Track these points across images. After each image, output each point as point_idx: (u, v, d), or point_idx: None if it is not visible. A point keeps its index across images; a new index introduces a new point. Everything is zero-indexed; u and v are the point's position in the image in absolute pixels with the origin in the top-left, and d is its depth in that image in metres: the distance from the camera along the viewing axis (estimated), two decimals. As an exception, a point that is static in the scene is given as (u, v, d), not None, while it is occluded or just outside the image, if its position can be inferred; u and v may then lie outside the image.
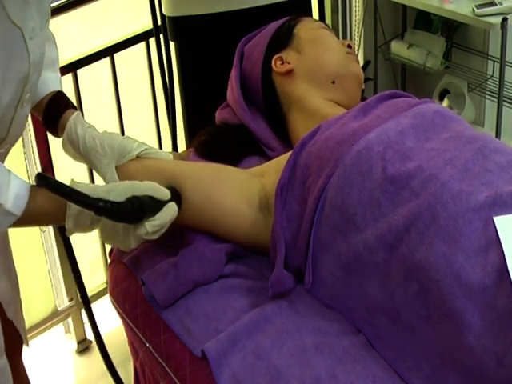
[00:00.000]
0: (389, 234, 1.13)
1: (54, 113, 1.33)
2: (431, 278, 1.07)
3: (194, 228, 1.33)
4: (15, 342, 1.35)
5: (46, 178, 1.10)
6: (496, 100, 2.50)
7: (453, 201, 1.11)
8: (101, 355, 1.29)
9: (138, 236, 1.15)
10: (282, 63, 1.49)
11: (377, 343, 1.15)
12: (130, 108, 2.28)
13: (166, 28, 1.95)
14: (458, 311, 1.04)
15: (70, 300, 2.27)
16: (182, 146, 2.20)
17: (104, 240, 1.21)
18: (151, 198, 1.16)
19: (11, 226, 1.13)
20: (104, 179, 1.31)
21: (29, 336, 1.95)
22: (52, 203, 1.13)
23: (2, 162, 1.22)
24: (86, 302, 1.26)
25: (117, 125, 2.21)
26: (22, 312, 1.40)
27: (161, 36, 2.03)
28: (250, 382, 1.12)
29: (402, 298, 1.11)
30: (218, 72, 1.69)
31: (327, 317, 1.21)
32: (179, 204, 1.22)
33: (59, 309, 2.28)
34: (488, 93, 2.66)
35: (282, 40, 1.52)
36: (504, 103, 2.49)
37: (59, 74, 1.37)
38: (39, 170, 2.01)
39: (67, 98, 1.36)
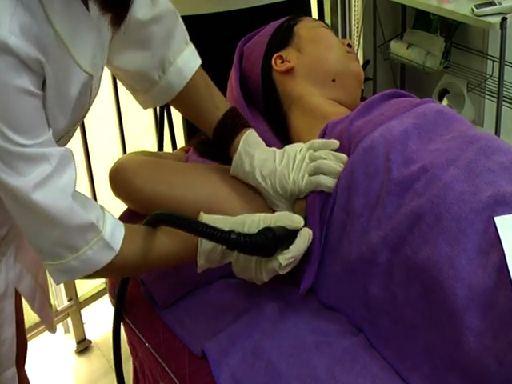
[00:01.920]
0: (392, 235, 1.13)
1: (223, 140, 1.30)
2: (433, 279, 1.07)
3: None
4: (20, 350, 1.35)
5: (168, 216, 1.07)
6: (495, 100, 2.50)
7: (456, 201, 1.11)
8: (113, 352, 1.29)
9: (271, 270, 1.13)
10: (282, 62, 1.49)
11: (377, 343, 1.15)
12: (129, 108, 2.28)
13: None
14: (460, 312, 1.04)
15: (70, 300, 2.27)
16: (181, 145, 2.20)
17: (236, 274, 1.18)
18: (284, 228, 1.12)
19: (128, 271, 1.14)
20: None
21: (28, 336, 1.95)
22: (180, 242, 1.11)
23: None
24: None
25: (117, 125, 2.20)
26: (49, 303, 1.40)
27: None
28: (250, 381, 1.12)
29: (404, 298, 1.11)
30: (217, 72, 1.68)
31: (327, 317, 1.21)
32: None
33: (58, 309, 2.27)
34: (487, 92, 2.66)
35: (282, 39, 1.52)
36: (503, 103, 2.49)
37: (192, 47, 1.33)
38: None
39: (234, 117, 1.32)
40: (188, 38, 1.32)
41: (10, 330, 1.25)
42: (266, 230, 1.10)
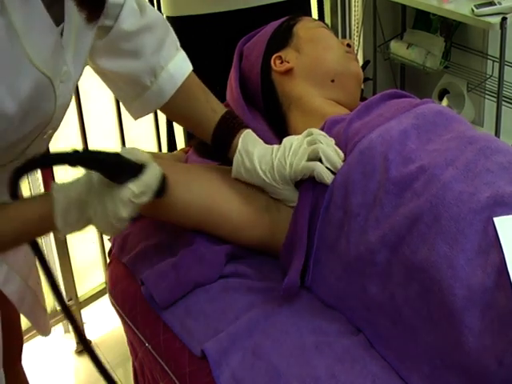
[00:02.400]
0: (391, 235, 1.13)
1: (222, 142, 1.32)
2: (432, 279, 1.07)
3: (195, 229, 1.33)
4: (15, 347, 1.35)
5: (21, 168, 1.08)
6: (495, 100, 2.50)
7: (455, 202, 1.11)
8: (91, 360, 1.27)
9: (126, 200, 1.09)
10: (282, 62, 1.49)
11: (377, 343, 1.15)
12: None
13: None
14: (459, 312, 1.04)
15: (69, 300, 2.27)
16: (180, 146, 2.21)
17: (100, 229, 1.15)
18: (131, 160, 1.12)
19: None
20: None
21: (28, 336, 1.95)
22: (35, 207, 1.11)
23: (47, 146, 1.22)
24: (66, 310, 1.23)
25: (116, 126, 2.20)
26: (43, 306, 1.39)
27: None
28: (250, 381, 1.12)
29: (403, 298, 1.11)
30: (217, 72, 1.68)
31: (327, 316, 1.21)
32: (164, 188, 1.17)
33: (58, 309, 2.27)
34: (487, 92, 2.66)
35: (282, 39, 1.52)
36: (503, 103, 2.49)
37: (183, 53, 1.35)
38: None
39: (230, 118, 1.34)
40: (178, 44, 1.33)
41: None
42: (110, 153, 1.10)
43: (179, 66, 1.31)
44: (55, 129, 1.18)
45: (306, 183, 1.25)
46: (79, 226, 1.12)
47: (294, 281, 1.20)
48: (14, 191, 1.11)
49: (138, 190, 1.09)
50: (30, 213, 1.10)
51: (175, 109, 1.34)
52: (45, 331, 1.42)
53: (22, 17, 0.97)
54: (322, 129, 1.31)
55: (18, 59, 1.00)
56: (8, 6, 0.95)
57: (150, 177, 1.11)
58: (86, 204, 1.10)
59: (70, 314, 1.29)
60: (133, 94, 1.31)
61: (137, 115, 1.36)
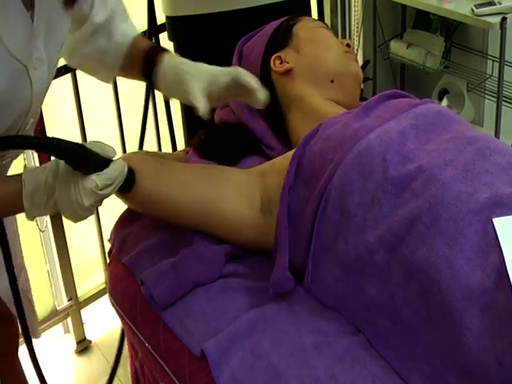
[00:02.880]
0: (389, 235, 1.13)
1: (152, 57, 1.34)
2: (431, 279, 1.07)
3: (194, 229, 1.33)
4: (11, 340, 1.35)
5: None
6: (495, 100, 2.50)
7: (453, 202, 1.11)
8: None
9: (89, 191, 1.12)
10: (281, 62, 1.49)
11: (377, 343, 1.15)
12: (129, 108, 2.28)
13: (154, 28, 1.95)
14: (458, 312, 1.04)
15: (69, 300, 2.27)
16: (181, 146, 2.20)
17: (65, 214, 1.18)
18: (97, 153, 1.15)
19: None
20: (195, 103, 1.30)
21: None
22: (5, 186, 1.14)
23: (6, 173, 1.24)
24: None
25: (116, 125, 2.20)
26: (32, 308, 1.40)
27: (160, 36, 2.03)
28: (250, 381, 1.12)
29: (402, 298, 1.11)
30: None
31: (326, 317, 1.21)
32: (132, 183, 1.23)
33: (58, 309, 2.28)
34: (487, 92, 2.66)
35: (281, 39, 1.52)
36: (503, 103, 2.49)
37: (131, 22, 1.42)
38: (36, 159, 2.01)
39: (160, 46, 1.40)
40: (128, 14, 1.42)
41: None
42: (76, 143, 1.12)
43: (129, 28, 1.39)
44: (35, 118, 1.20)
45: (286, 179, 1.25)
46: (47, 209, 1.15)
47: (281, 277, 1.21)
48: None
49: (100, 182, 1.13)
50: (2, 188, 1.14)
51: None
52: (34, 333, 1.42)
53: None
54: (317, 130, 1.31)
55: None
56: None
57: (115, 170, 1.15)
58: (52, 189, 1.13)
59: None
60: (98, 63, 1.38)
61: (107, 79, 1.43)
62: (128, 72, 1.40)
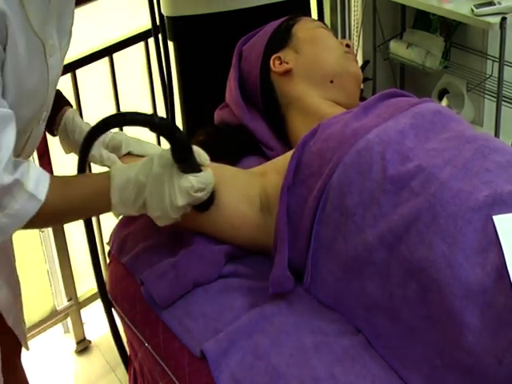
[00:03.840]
0: (389, 234, 1.13)
1: (53, 108, 1.31)
2: (431, 278, 1.07)
3: (194, 229, 1.33)
4: (14, 345, 1.35)
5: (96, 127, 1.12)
6: (495, 100, 2.50)
7: (453, 200, 1.11)
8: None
9: (184, 189, 1.13)
10: (281, 63, 1.49)
11: (376, 343, 1.15)
12: (128, 108, 2.28)
13: (164, 28, 1.95)
14: (458, 311, 1.04)
15: (69, 300, 2.27)
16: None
17: (153, 214, 1.17)
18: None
19: (49, 221, 1.16)
20: (104, 165, 1.31)
21: (28, 336, 1.95)
22: (94, 182, 1.15)
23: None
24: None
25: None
26: (23, 319, 1.39)
27: (160, 36, 2.03)
28: (249, 381, 1.12)
29: (402, 297, 1.11)
30: (216, 72, 1.68)
31: (326, 317, 1.21)
32: (209, 205, 1.24)
33: (58, 309, 2.27)
34: (487, 92, 2.66)
35: (281, 40, 1.52)
36: (503, 103, 2.48)
37: None
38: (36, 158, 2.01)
39: (64, 96, 1.37)
40: None
41: None
42: (185, 137, 1.14)
43: None
44: (48, 111, 1.19)
45: (285, 181, 1.25)
46: (135, 207, 1.16)
47: (280, 277, 1.21)
48: (86, 154, 1.15)
49: (196, 184, 1.14)
50: (90, 185, 1.15)
51: None
52: (25, 345, 1.42)
53: None
54: (316, 131, 1.31)
55: (25, 29, 1.02)
56: None
57: (209, 176, 1.17)
58: (143, 186, 1.13)
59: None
60: None
61: None
62: None
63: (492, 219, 1.08)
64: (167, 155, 1.14)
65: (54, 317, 2.26)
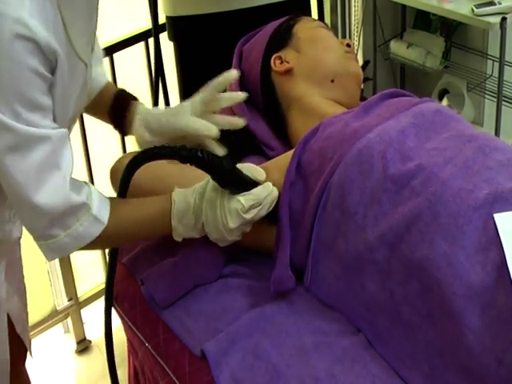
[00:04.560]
0: (389, 233, 1.13)
1: (121, 105, 1.31)
2: (431, 277, 1.07)
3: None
4: (20, 351, 1.35)
5: (144, 153, 1.12)
6: (495, 99, 2.50)
7: (453, 199, 1.11)
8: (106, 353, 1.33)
9: (234, 211, 1.13)
10: (281, 62, 1.49)
11: (376, 342, 1.15)
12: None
13: (157, 28, 1.95)
14: (458, 310, 1.04)
15: (70, 300, 2.27)
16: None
17: (212, 237, 1.18)
18: (246, 175, 1.16)
19: (106, 243, 1.19)
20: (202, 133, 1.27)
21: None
22: (157, 202, 1.16)
23: None
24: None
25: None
26: (27, 327, 1.40)
27: (160, 36, 2.03)
28: (250, 381, 1.12)
29: (402, 296, 1.11)
30: (217, 72, 1.68)
31: (326, 317, 1.21)
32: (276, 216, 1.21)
33: (58, 308, 2.28)
34: (487, 92, 2.66)
35: (281, 39, 1.52)
36: (503, 103, 2.49)
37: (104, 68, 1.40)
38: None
39: (129, 92, 1.36)
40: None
41: (2, 350, 1.26)
42: (227, 161, 1.12)
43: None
44: (75, 122, 1.22)
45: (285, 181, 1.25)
46: (195, 231, 1.17)
47: (282, 275, 1.21)
48: (126, 183, 1.15)
49: (246, 203, 1.13)
50: (152, 206, 1.16)
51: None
52: (30, 352, 1.43)
53: (69, 7, 1.01)
54: (317, 130, 1.31)
55: (72, 57, 1.05)
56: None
57: (262, 191, 1.15)
58: (200, 210, 1.15)
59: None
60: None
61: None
62: (92, 114, 1.38)
63: (493, 217, 1.08)
64: None
65: (54, 317, 2.27)
